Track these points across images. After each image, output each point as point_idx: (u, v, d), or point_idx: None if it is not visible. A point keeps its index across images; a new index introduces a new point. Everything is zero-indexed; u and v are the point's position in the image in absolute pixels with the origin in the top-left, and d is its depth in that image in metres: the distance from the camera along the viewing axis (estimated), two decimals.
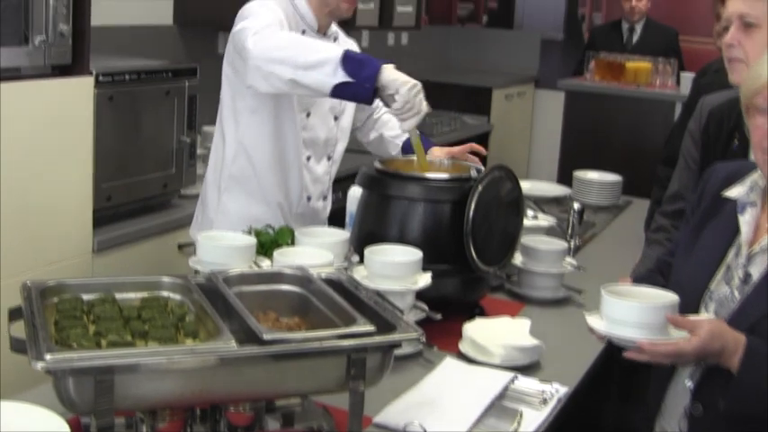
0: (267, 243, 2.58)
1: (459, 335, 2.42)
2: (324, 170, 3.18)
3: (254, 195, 3.06)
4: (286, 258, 2.35)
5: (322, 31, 3.03)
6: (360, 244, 2.55)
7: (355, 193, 2.86)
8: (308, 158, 3.09)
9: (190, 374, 1.69)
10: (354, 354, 1.76)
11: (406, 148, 3.16)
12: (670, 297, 1.99)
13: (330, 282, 2.07)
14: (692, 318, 1.95)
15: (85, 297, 1.95)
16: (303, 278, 2.08)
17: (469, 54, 8.12)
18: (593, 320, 2.02)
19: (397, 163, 2.80)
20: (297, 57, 2.67)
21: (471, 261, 2.50)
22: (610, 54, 7.11)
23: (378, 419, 1.99)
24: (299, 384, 1.81)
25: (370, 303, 1.94)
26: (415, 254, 2.40)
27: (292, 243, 2.59)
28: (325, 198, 3.23)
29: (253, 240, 2.46)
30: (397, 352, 1.91)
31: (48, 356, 1.58)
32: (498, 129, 7.02)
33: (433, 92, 6.41)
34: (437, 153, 3.02)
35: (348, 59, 2.62)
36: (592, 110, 6.79)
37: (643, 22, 7.34)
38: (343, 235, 2.61)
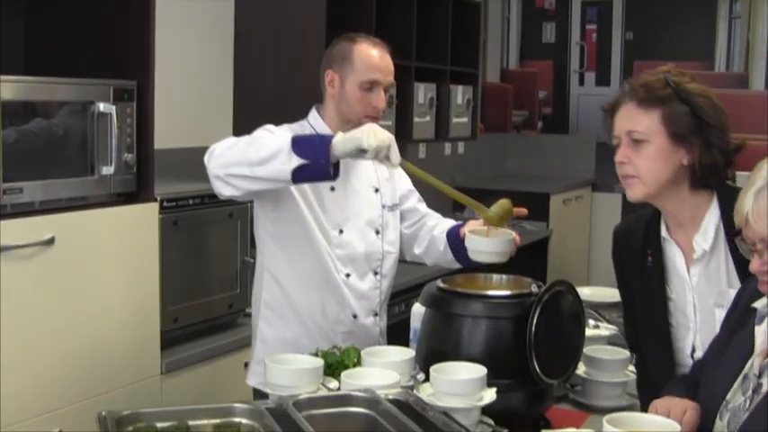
0: (334, 364, 2.62)
1: None
2: (370, 286, 3.16)
3: (289, 320, 3.07)
4: (353, 380, 2.39)
5: None
6: (425, 362, 2.58)
7: (419, 309, 2.89)
8: (348, 275, 3.09)
9: None
10: None
11: (451, 236, 3.18)
12: (669, 425, 2.01)
13: (397, 403, 2.11)
14: None
15: (159, 425, 2.01)
16: (371, 400, 2.13)
17: (526, 161, 8.22)
18: None
19: (459, 280, 2.84)
20: (249, 154, 2.74)
21: (535, 375, 2.52)
22: None
23: None
24: None
25: (438, 424, 1.97)
26: (479, 371, 2.43)
27: (358, 363, 2.63)
28: (376, 315, 3.19)
29: (320, 362, 2.51)
30: None
31: None
32: (557, 234, 7.06)
33: (490, 200, 6.46)
34: (475, 224, 3.06)
35: (298, 142, 2.68)
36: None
37: None
38: (408, 354, 2.64)
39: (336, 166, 2.71)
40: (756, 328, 2.10)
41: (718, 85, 8.39)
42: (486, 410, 2.43)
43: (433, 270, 4.05)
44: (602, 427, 2.01)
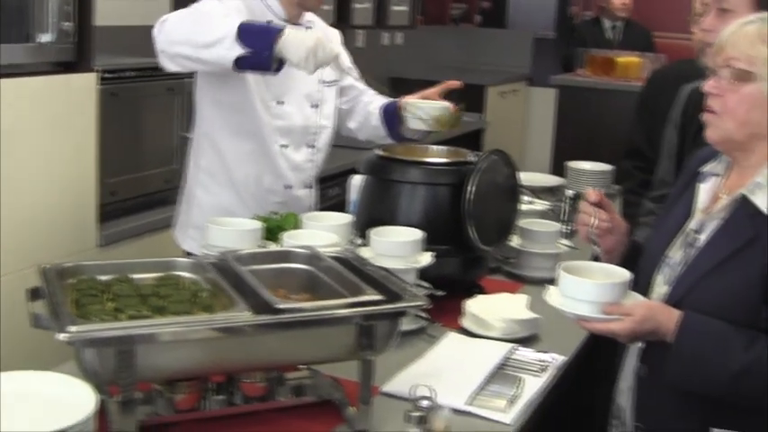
0: (274, 228, 2.66)
1: (460, 312, 2.51)
2: (304, 158, 3.17)
3: (225, 186, 3.08)
4: (294, 241, 2.43)
5: (292, 21, 3.02)
6: (363, 228, 2.62)
7: (357, 181, 2.94)
8: (285, 147, 3.10)
9: (207, 344, 1.78)
10: (364, 321, 1.84)
11: (386, 111, 3.20)
12: (620, 275, 2.06)
13: (338, 259, 2.15)
14: (629, 303, 2.01)
15: (101, 278, 2.02)
16: (312, 256, 2.16)
17: (463, 54, 8.23)
18: (551, 295, 2.10)
19: (398, 149, 2.88)
20: (196, 36, 2.72)
21: (470, 241, 2.58)
22: (600, 50, 7.31)
23: (385, 388, 2.08)
24: (311, 353, 1.90)
25: (376, 277, 2.02)
26: (417, 234, 2.49)
27: (297, 228, 2.67)
28: (309, 187, 3.24)
29: (259, 224, 2.54)
30: (402, 328, 1.99)
31: (72, 328, 1.65)
32: (493, 125, 7.12)
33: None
34: (411, 98, 3.08)
35: (243, 32, 2.65)
36: (583, 104, 6.94)
37: (623, 20, 7.60)
38: (346, 218, 2.69)
39: (281, 61, 2.69)
40: (699, 185, 2.16)
41: None
42: (422, 275, 2.49)
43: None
44: (557, 275, 2.06)
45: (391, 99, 3.25)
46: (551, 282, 2.80)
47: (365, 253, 2.48)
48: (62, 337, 1.64)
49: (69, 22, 3.30)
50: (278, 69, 2.70)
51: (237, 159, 3.06)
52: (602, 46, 7.50)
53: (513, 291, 2.78)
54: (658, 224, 2.30)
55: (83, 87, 3.40)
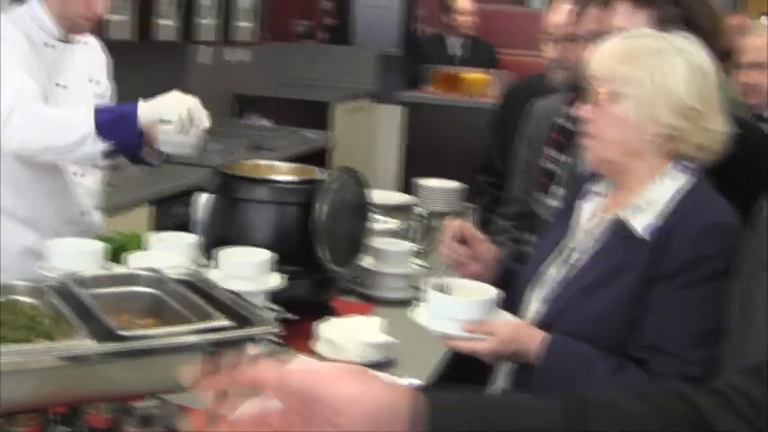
0: (116, 249, 2.56)
1: (312, 335, 2.45)
2: (94, 180, 3.12)
3: (27, 225, 2.94)
4: (138, 262, 2.35)
5: (66, 40, 2.98)
6: (210, 249, 2.55)
7: (202, 200, 2.86)
8: (75, 174, 3.02)
9: (47, 374, 1.68)
10: (211, 348, 1.77)
11: None
12: (486, 292, 2.06)
13: (184, 282, 2.08)
14: (493, 322, 2.01)
15: None
16: (156, 279, 2.08)
17: (308, 70, 8.20)
18: (418, 313, 2.08)
19: (244, 167, 2.81)
20: (56, 142, 2.70)
21: (321, 261, 2.53)
22: (445, 67, 7.42)
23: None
24: (157, 382, 1.81)
25: (225, 300, 1.95)
26: (265, 254, 2.42)
27: (140, 249, 2.58)
28: (99, 209, 3.18)
29: (101, 245, 2.44)
30: (252, 352, 1.93)
31: None
32: (340, 143, 7.10)
33: (272, 108, 6.45)
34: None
35: (102, 126, 2.66)
36: (430, 121, 7.03)
37: (468, 36, 7.76)
38: (192, 239, 2.62)
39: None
40: (581, 203, 2.16)
41: (495, 1, 8.62)
42: (273, 298, 2.43)
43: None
44: (426, 293, 2.03)
45: None
46: (404, 302, 2.80)
47: (213, 275, 2.41)
48: None
49: None
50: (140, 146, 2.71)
51: (38, 195, 2.95)
52: (446, 62, 7.61)
53: (365, 312, 2.74)
54: (538, 242, 2.31)
55: None
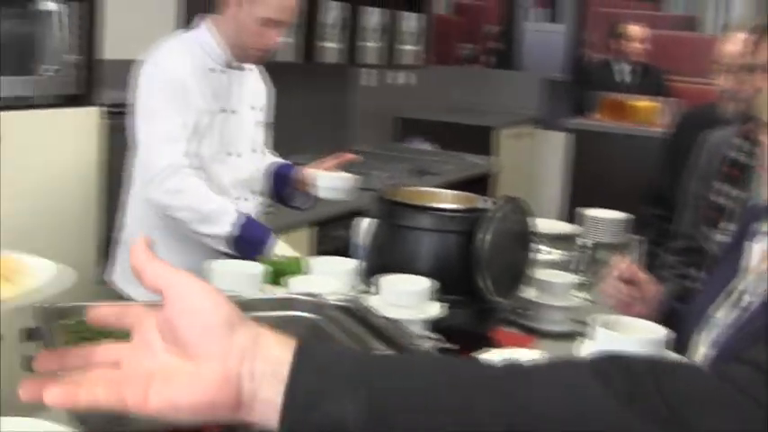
0: (277, 272, 2.57)
1: None
2: (255, 204, 3.19)
3: (187, 243, 3.01)
4: (299, 286, 2.35)
5: (232, 67, 3.05)
6: (370, 274, 2.53)
7: (364, 225, 2.85)
8: (240, 198, 3.11)
9: None
10: None
11: (278, 175, 3.25)
12: (656, 332, 1.98)
13: (342, 308, 2.05)
14: None
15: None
16: (316, 304, 2.07)
17: (472, 94, 8.16)
18: (584, 350, 2.02)
19: (407, 193, 2.79)
20: (191, 224, 2.90)
21: (482, 291, 2.48)
22: (613, 94, 7.25)
23: None
24: None
25: (382, 328, 1.92)
26: (426, 283, 2.38)
27: (300, 272, 2.58)
28: None
29: (262, 268, 2.45)
30: None
31: None
32: (504, 169, 7.03)
33: (436, 131, 6.43)
34: (313, 169, 3.16)
35: (237, 240, 2.86)
36: (596, 149, 6.88)
37: (637, 63, 7.56)
38: (353, 264, 2.60)
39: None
40: (748, 243, 2.06)
41: (666, 26, 8.42)
42: (432, 326, 2.38)
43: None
44: (591, 329, 1.97)
45: (283, 161, 3.28)
46: (565, 336, 2.72)
47: (372, 301, 2.38)
48: None
49: (75, 55, 3.24)
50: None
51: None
52: (613, 89, 7.44)
53: (525, 344, 2.67)
54: (706, 281, 2.21)
55: (86, 122, 3.33)
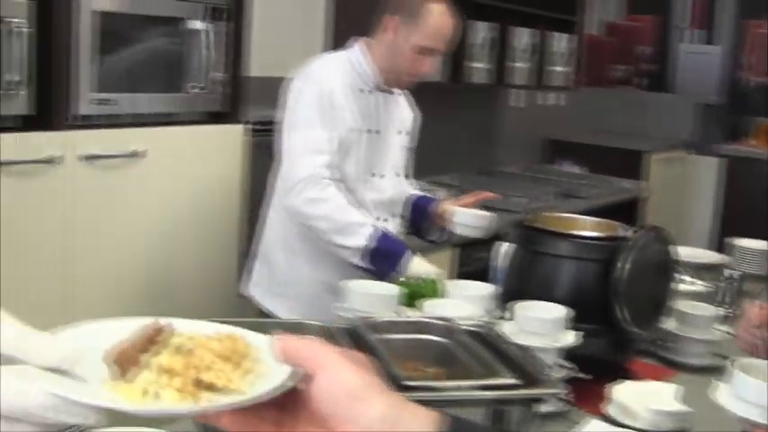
0: (414, 294, 2.57)
1: (603, 398, 2.35)
2: (395, 225, 3.20)
3: (324, 262, 3.05)
4: (434, 309, 2.35)
5: (382, 89, 3.08)
6: (507, 299, 2.51)
7: (504, 249, 2.83)
8: (380, 219, 3.12)
9: None
10: (495, 405, 1.72)
11: (417, 207, 3.27)
12: None
13: (474, 334, 2.04)
14: None
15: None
16: (447, 329, 2.06)
17: (623, 117, 8.03)
18: (721, 393, 1.95)
19: (548, 219, 2.76)
20: (326, 234, 2.92)
21: (619, 322, 2.43)
22: None
23: None
24: None
25: (514, 357, 1.90)
26: (561, 311, 2.35)
27: (435, 295, 2.58)
28: None
29: (398, 290, 2.46)
30: (540, 410, 1.87)
31: None
32: (653, 195, 6.90)
33: (585, 154, 6.34)
34: (451, 205, 3.15)
35: (373, 253, 2.87)
36: (751, 176, 6.67)
37: None
38: (489, 289, 2.59)
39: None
40: None
41: None
42: (566, 355, 2.35)
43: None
44: (729, 371, 1.91)
45: (423, 194, 3.30)
46: (706, 369, 2.64)
47: (506, 327, 2.37)
48: None
49: (221, 73, 3.31)
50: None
51: None
52: None
53: (663, 376, 2.61)
54: None
55: (231, 138, 3.40)
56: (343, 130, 2.94)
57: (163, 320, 0.94)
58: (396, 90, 3.12)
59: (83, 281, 3.05)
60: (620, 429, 2.22)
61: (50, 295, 2.98)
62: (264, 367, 0.91)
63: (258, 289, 3.18)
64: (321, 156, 2.89)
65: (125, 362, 0.89)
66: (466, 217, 3.09)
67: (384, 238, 2.88)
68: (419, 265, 2.86)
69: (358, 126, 2.99)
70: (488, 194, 3.25)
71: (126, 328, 0.92)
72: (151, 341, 0.92)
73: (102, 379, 0.87)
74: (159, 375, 0.87)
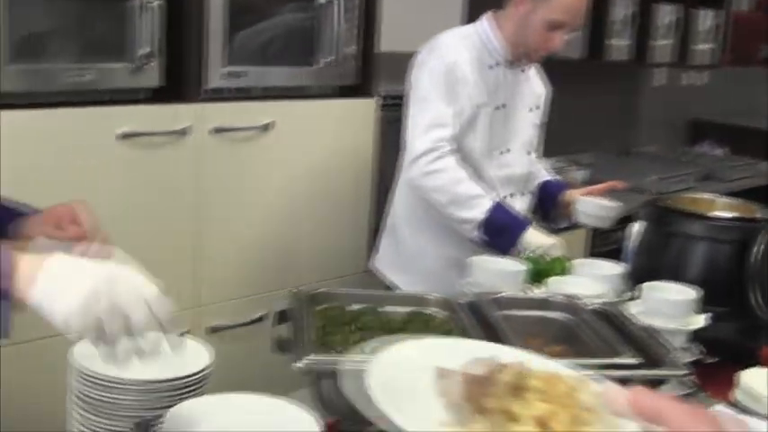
0: (541, 271, 2.55)
1: (731, 383, 2.29)
2: (522, 202, 3.15)
3: (450, 237, 3.02)
4: (560, 287, 2.32)
5: (510, 65, 3.03)
6: (636, 279, 2.47)
7: (636, 229, 2.79)
8: (508, 196, 3.07)
9: None
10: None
11: (546, 191, 3.22)
12: None
13: (599, 313, 2.01)
14: None
15: (349, 308, 1.97)
16: (572, 307, 2.04)
17: None
18: None
19: (681, 199, 2.70)
20: (443, 207, 2.90)
21: (752, 306, 2.36)
22: None
23: None
24: None
25: (638, 338, 1.87)
26: (692, 293, 2.30)
27: (563, 273, 2.55)
28: None
29: (524, 267, 2.44)
30: (664, 392, 1.83)
31: (307, 358, 1.62)
32: None
33: (728, 136, 6.13)
34: (577, 193, 3.08)
35: (488, 226, 2.83)
36: None
37: None
38: (618, 269, 2.55)
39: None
40: None
41: None
42: (694, 337, 2.30)
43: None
44: None
45: (555, 179, 3.24)
46: None
47: (633, 308, 2.32)
48: (298, 365, 1.61)
49: (352, 47, 3.32)
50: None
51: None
52: None
53: None
54: None
55: (363, 113, 3.41)
56: (467, 105, 2.92)
57: (509, 357, 0.92)
58: (526, 65, 3.08)
59: (210, 252, 3.11)
60: (749, 417, 2.16)
61: (179, 265, 3.04)
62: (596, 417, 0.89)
63: (384, 262, 3.19)
64: (443, 130, 2.87)
65: (472, 402, 0.87)
66: (590, 207, 3.04)
67: (501, 211, 2.85)
68: (535, 237, 2.83)
69: (484, 101, 2.96)
70: (616, 184, 3.18)
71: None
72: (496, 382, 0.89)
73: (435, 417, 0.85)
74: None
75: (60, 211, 1.89)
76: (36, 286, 1.34)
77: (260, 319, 3.21)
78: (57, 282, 1.35)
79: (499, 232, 2.83)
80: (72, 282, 1.35)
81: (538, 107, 3.16)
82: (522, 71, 3.07)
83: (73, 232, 1.84)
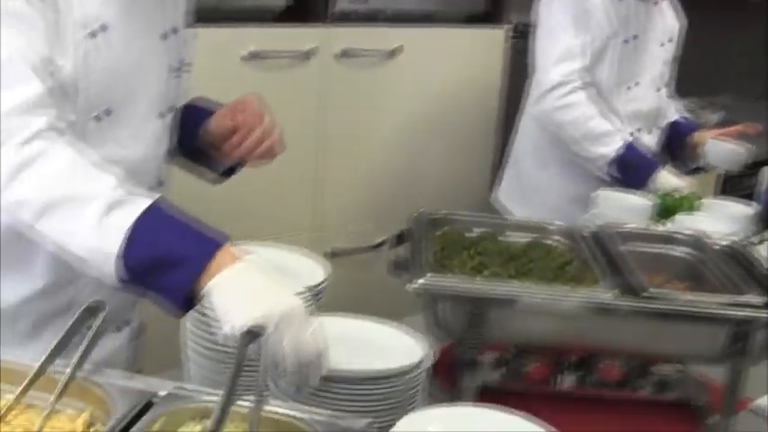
0: (670, 207, 2.49)
1: None
2: (653, 142, 3.08)
3: (576, 175, 2.98)
4: (689, 223, 2.27)
5: None
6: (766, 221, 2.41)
7: (765, 172, 2.73)
8: (636, 130, 3.00)
9: (563, 318, 1.66)
10: (738, 325, 1.64)
11: (676, 130, 3.13)
12: None
13: (726, 252, 1.95)
14: None
15: (468, 235, 1.96)
16: (697, 243, 1.98)
17: None
18: None
19: None
20: (572, 144, 2.85)
21: None
22: None
23: (758, 403, 1.85)
24: (674, 348, 1.72)
25: (763, 279, 1.80)
26: None
27: (692, 210, 2.49)
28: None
29: (650, 203, 2.41)
30: None
31: (422, 279, 1.61)
32: None
33: None
34: (706, 135, 3.01)
35: (620, 162, 2.81)
36: None
37: None
38: (748, 210, 2.51)
39: None
40: None
41: None
42: None
43: None
44: None
45: (686, 118, 3.14)
46: None
47: (763, 251, 2.25)
48: (413, 286, 1.60)
49: None
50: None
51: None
52: None
53: None
54: None
55: (492, 42, 3.37)
56: (597, 37, 2.85)
57: None
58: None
59: (332, 178, 3.11)
60: None
61: (301, 189, 3.06)
62: None
63: (506, 194, 3.17)
64: (573, 62, 2.82)
65: None
66: (718, 148, 2.97)
67: (634, 149, 2.80)
68: (667, 178, 2.76)
69: (614, 32, 2.88)
70: (750, 127, 3.08)
71: None
72: None
73: None
74: None
75: (233, 103, 1.95)
76: (218, 286, 1.29)
77: (379, 245, 3.22)
78: (238, 292, 1.29)
79: (631, 171, 2.78)
80: (255, 299, 1.28)
81: (671, 41, 3.06)
82: (656, 3, 2.98)
83: (241, 119, 1.89)
